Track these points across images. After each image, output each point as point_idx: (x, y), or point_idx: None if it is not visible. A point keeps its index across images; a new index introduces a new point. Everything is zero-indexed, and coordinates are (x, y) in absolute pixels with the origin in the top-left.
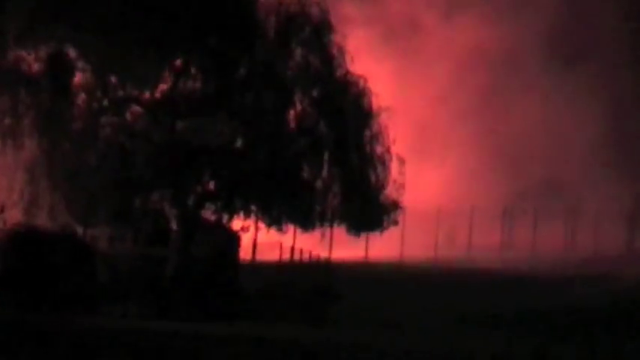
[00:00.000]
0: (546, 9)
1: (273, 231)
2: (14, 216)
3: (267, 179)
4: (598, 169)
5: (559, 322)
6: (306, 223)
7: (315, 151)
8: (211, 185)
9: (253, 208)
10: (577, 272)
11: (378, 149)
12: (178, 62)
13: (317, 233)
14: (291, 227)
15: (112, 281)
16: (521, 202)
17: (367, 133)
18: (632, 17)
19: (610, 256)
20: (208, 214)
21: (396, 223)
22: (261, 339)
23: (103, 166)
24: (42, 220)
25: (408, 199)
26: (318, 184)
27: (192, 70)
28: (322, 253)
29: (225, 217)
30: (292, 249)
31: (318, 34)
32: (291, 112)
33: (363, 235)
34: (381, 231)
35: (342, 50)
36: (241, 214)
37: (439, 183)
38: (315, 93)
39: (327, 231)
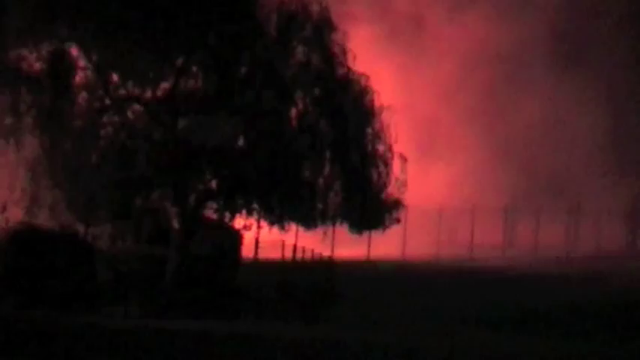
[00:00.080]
0: (550, 8)
1: (275, 230)
2: (15, 215)
3: (269, 178)
4: (600, 168)
5: (561, 321)
6: (307, 221)
7: (317, 150)
8: (212, 184)
9: (255, 206)
10: (578, 271)
11: (380, 148)
12: (179, 61)
13: (319, 232)
14: (293, 226)
15: (113, 280)
16: (523, 200)
17: (369, 131)
18: (634, 17)
19: (611, 254)
20: (210, 212)
21: (397, 221)
22: (261, 337)
23: (104, 165)
24: (43, 219)
25: (410, 198)
26: (320, 182)
27: (193, 69)
28: (324, 251)
29: (227, 216)
30: (294, 248)
31: (319, 32)
32: (293, 111)
33: (365, 234)
34: (383, 229)
35: (343, 49)
36: (243, 213)
37: (441, 181)
38: (316, 91)
39: (329, 230)
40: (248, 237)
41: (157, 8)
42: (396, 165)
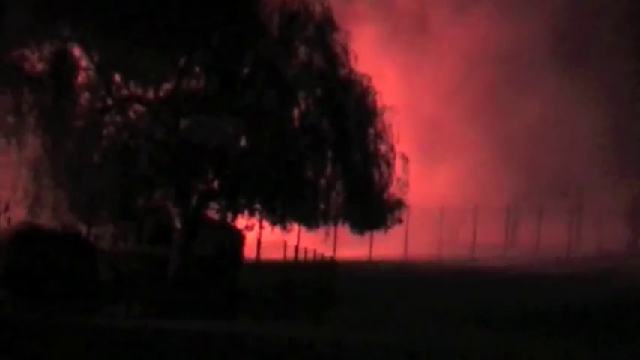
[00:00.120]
0: (552, 8)
1: (277, 230)
2: (18, 215)
3: (270, 178)
4: (601, 168)
5: (562, 321)
6: (309, 221)
7: (319, 150)
8: (214, 184)
9: (257, 206)
10: (579, 270)
11: (382, 148)
12: (181, 61)
13: (321, 232)
14: (295, 226)
15: (115, 280)
16: (525, 200)
17: (371, 131)
18: (635, 17)
19: (613, 254)
20: (212, 213)
21: (399, 221)
22: (261, 338)
23: (106, 165)
24: (45, 219)
25: (412, 198)
26: (322, 182)
27: (195, 69)
28: (327, 252)
29: (228, 216)
30: (296, 248)
31: (322, 32)
32: (295, 111)
33: (367, 234)
34: (385, 230)
35: (345, 49)
36: (245, 213)
37: (443, 182)
38: (318, 92)
39: (331, 230)
40: (250, 237)
41: (159, 8)
42: (398, 165)
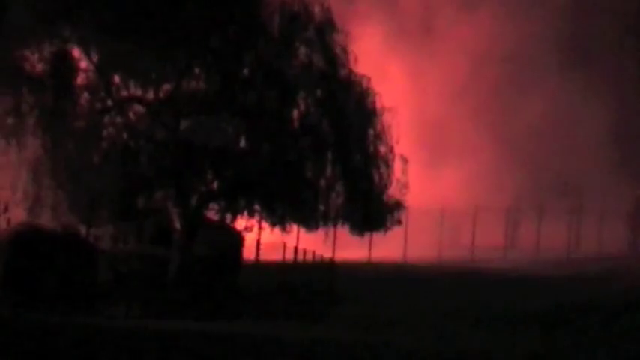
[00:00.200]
0: (557, 7)
1: (276, 231)
2: (18, 215)
3: (270, 179)
4: (602, 169)
5: (563, 322)
6: (309, 222)
7: (318, 151)
8: (214, 185)
9: (257, 207)
10: (581, 271)
11: (382, 149)
12: (181, 62)
13: (321, 233)
14: (294, 227)
15: (115, 281)
16: (528, 201)
17: (371, 132)
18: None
19: (613, 255)
20: (212, 213)
21: (399, 223)
22: (261, 338)
23: (106, 166)
24: (45, 220)
25: (418, 199)
26: (321, 183)
27: (196, 70)
28: (326, 253)
29: (228, 217)
30: (296, 249)
31: (322, 33)
32: (295, 112)
33: (367, 235)
34: (385, 231)
35: (345, 50)
36: (245, 214)
37: (448, 182)
38: (318, 92)
39: (331, 231)
40: (249, 238)
41: (159, 9)
42: (398, 166)
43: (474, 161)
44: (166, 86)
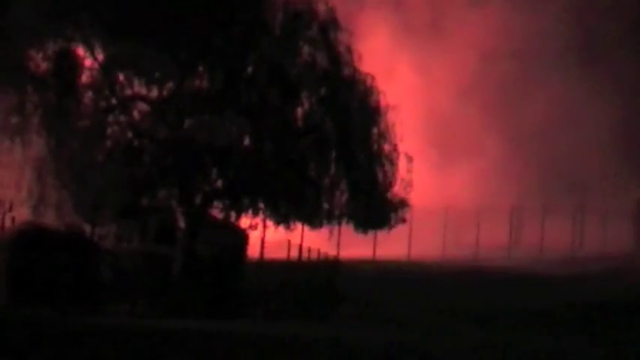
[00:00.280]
0: (565, 3)
1: (281, 229)
2: (22, 214)
3: (274, 177)
4: (606, 168)
5: (566, 321)
6: (313, 221)
7: (322, 149)
8: (218, 183)
9: (261, 206)
10: (585, 270)
11: (386, 147)
12: (185, 60)
13: (325, 231)
14: (299, 225)
15: (119, 279)
16: (533, 200)
17: (374, 130)
18: None
19: (617, 254)
20: (216, 212)
21: (403, 221)
22: (265, 336)
23: (110, 165)
24: (49, 219)
25: (423, 198)
26: (325, 182)
27: (199, 68)
28: (331, 251)
29: (232, 216)
30: (300, 247)
31: (325, 32)
32: (298, 110)
33: (371, 234)
34: (389, 229)
35: (349, 48)
36: (249, 212)
37: (455, 181)
38: (322, 91)
39: (335, 229)
40: (254, 236)
41: (163, 7)
42: (402, 164)
43: (481, 159)
44: (170, 85)
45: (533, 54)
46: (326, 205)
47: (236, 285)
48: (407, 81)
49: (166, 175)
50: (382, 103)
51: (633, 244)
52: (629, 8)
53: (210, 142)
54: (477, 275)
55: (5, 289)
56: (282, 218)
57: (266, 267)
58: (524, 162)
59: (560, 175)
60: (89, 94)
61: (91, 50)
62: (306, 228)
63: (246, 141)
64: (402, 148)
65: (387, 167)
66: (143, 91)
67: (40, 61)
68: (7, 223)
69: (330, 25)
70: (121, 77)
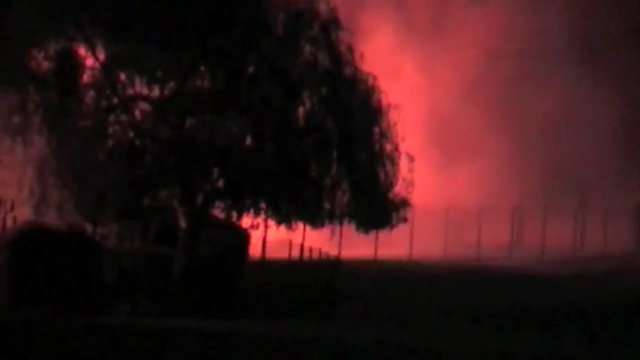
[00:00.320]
0: (568, 1)
1: (282, 229)
2: (23, 214)
3: (276, 177)
4: (607, 167)
5: (568, 320)
6: (315, 220)
7: (324, 149)
8: (220, 183)
9: (262, 205)
10: (586, 270)
11: (387, 147)
12: (187, 60)
13: (327, 231)
14: (300, 225)
15: (120, 279)
16: (536, 200)
17: (376, 130)
18: None
19: (619, 254)
20: (218, 212)
21: (405, 220)
22: (266, 336)
23: (112, 164)
24: (51, 218)
25: (426, 197)
26: (327, 181)
27: (201, 68)
28: (332, 251)
29: (234, 215)
30: (302, 247)
31: (327, 31)
32: (300, 110)
33: (373, 234)
34: (390, 228)
35: (350, 48)
36: (250, 212)
37: (453, 181)
38: (323, 90)
39: (337, 229)
40: (255, 236)
41: (164, 7)
42: (404, 164)
43: (482, 159)
44: (172, 84)
45: (536, 54)
46: (327, 205)
47: (238, 285)
48: (409, 80)
49: (168, 175)
50: (384, 102)
51: (634, 244)
52: (631, 8)
53: (211, 142)
54: (478, 275)
55: (6, 289)
56: (284, 218)
57: (267, 267)
58: (526, 162)
59: (561, 175)
60: (90, 93)
61: (92, 50)
62: (308, 228)
63: (248, 141)
64: (403, 147)
65: (389, 167)
66: (144, 90)
67: (42, 61)
68: (9, 222)
69: (331, 25)
70: (123, 77)
